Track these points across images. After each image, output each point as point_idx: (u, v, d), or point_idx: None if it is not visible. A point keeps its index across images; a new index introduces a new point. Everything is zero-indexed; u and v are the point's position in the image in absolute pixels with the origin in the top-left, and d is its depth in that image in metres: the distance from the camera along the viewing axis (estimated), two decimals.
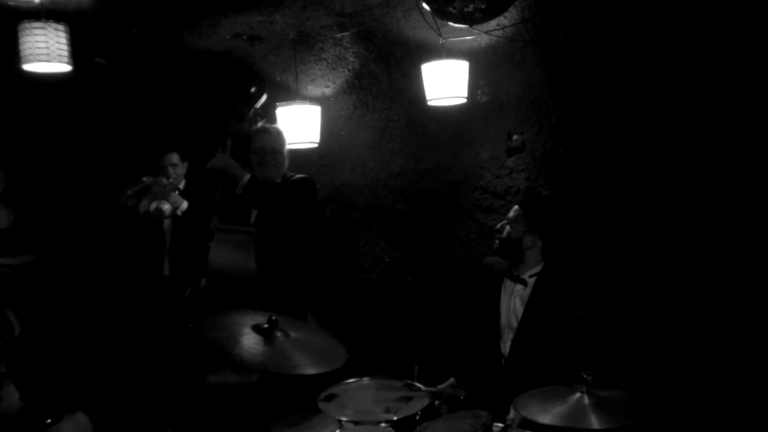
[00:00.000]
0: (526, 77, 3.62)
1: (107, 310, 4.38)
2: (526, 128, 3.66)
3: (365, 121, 4.46)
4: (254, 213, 3.38)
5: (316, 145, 4.27)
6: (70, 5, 3.56)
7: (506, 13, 3.33)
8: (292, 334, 2.34)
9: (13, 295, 3.88)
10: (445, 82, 3.54)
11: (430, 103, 3.65)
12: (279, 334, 2.31)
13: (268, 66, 4.56)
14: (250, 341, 2.26)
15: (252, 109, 3.41)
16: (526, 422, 2.26)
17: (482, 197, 3.90)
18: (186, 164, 4.15)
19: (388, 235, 4.41)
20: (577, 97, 3.43)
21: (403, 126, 4.27)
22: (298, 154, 3.91)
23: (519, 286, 2.97)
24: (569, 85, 3.45)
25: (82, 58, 3.58)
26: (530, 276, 2.96)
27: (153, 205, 3.77)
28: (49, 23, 3.22)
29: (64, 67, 3.34)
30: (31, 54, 3.22)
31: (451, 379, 3.05)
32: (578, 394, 2.25)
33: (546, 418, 2.17)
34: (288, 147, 3.49)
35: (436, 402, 2.73)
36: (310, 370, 2.23)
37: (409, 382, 2.69)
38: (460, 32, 3.49)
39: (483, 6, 3.06)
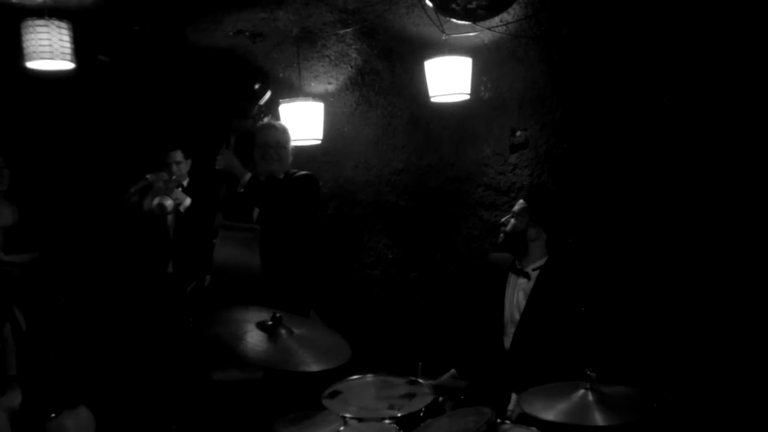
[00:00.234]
0: (529, 73, 3.62)
1: (112, 306, 4.39)
2: (529, 124, 3.65)
3: (368, 117, 4.46)
4: (256, 211, 3.39)
5: (319, 142, 4.27)
6: (72, 3, 3.56)
7: (509, 9, 3.32)
8: (296, 331, 2.35)
9: (18, 292, 3.90)
10: (448, 79, 3.53)
11: (433, 99, 3.65)
12: (283, 331, 2.32)
13: (271, 63, 4.56)
14: (254, 338, 2.27)
15: (256, 106, 3.42)
16: (529, 418, 2.26)
17: (485, 194, 3.90)
18: (189, 161, 4.16)
19: (391, 232, 4.41)
20: (580, 94, 3.43)
21: (406, 122, 4.27)
22: (301, 151, 3.91)
23: (522, 280, 2.97)
24: (573, 82, 3.44)
25: (85, 55, 3.58)
26: (534, 269, 2.97)
27: (155, 201, 3.78)
28: (52, 21, 3.22)
29: (67, 65, 3.35)
30: (34, 52, 3.22)
31: (452, 371, 3.06)
32: (582, 391, 2.25)
33: (550, 415, 2.18)
34: (292, 144, 3.50)
35: (440, 398, 2.73)
36: (314, 367, 2.24)
37: (413, 378, 2.70)
38: (463, 28, 3.48)
39: (486, 2, 3.05)
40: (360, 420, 2.45)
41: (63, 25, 3.26)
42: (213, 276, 3.23)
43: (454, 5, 3.08)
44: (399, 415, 2.43)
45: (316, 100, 4.22)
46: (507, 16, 3.40)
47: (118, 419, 3.74)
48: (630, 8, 3.11)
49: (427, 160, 4.19)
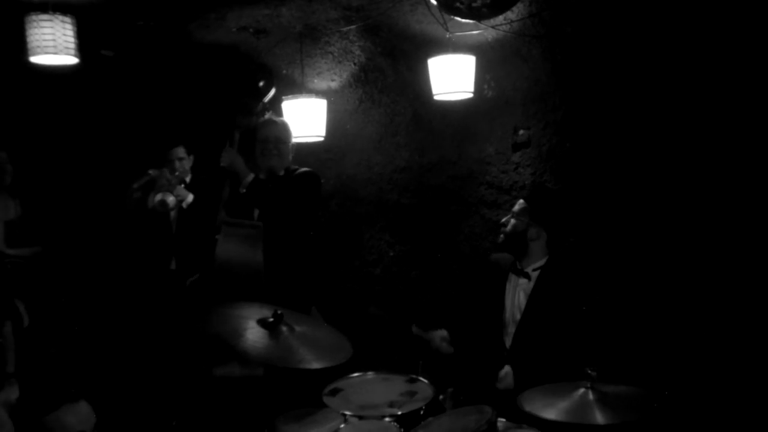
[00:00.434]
0: (532, 72, 3.61)
1: (113, 302, 4.39)
2: (532, 123, 3.65)
3: (371, 114, 4.45)
4: (257, 212, 3.39)
5: (321, 139, 4.27)
6: None
7: (513, 8, 3.32)
8: (297, 329, 2.35)
9: (21, 286, 3.90)
10: (452, 77, 3.53)
11: (436, 97, 3.65)
12: (284, 328, 2.32)
13: (274, 59, 4.55)
14: (255, 335, 2.27)
15: (260, 104, 3.42)
16: (531, 418, 2.26)
17: (488, 192, 3.90)
18: (192, 158, 4.16)
19: (393, 229, 4.41)
20: (583, 93, 3.42)
21: (409, 120, 4.27)
22: (303, 148, 3.91)
23: (523, 280, 2.97)
24: (576, 80, 3.44)
25: (89, 50, 3.58)
26: (534, 269, 2.97)
27: (158, 198, 3.78)
28: (56, 16, 3.22)
29: (71, 60, 3.34)
30: (38, 46, 3.22)
31: (443, 331, 3.06)
32: (583, 390, 2.26)
33: (551, 414, 2.18)
34: (294, 140, 3.49)
35: (441, 397, 2.73)
36: (315, 365, 2.24)
37: (414, 376, 2.70)
38: (466, 26, 3.48)
39: (489, 1, 3.05)
40: (360, 418, 2.45)
41: (67, 19, 3.26)
42: (215, 272, 3.23)
43: (458, 3, 3.08)
44: (399, 413, 2.43)
45: (319, 97, 4.22)
46: (511, 14, 3.40)
47: (118, 414, 3.74)
48: (634, 7, 3.11)
49: (430, 158, 4.19)
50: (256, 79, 3.46)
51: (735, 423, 2.84)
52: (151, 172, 3.87)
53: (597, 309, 2.90)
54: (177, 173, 3.97)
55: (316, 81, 4.55)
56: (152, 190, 3.82)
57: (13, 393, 3.44)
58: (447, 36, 3.54)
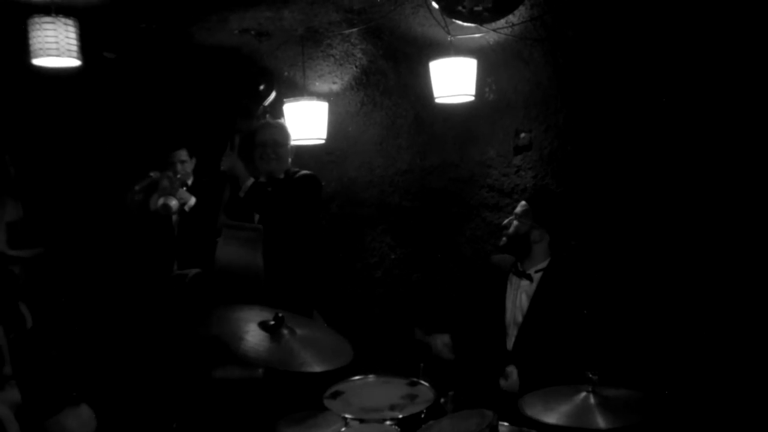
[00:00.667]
0: (534, 75, 3.61)
1: (115, 304, 4.39)
2: (533, 126, 3.65)
3: (372, 117, 4.46)
4: (257, 216, 3.39)
5: (323, 142, 4.27)
6: (79, 0, 3.57)
7: (515, 11, 3.32)
8: (299, 331, 2.35)
9: (23, 288, 3.90)
10: (453, 80, 3.53)
11: (437, 100, 3.65)
12: (285, 331, 2.32)
13: (276, 62, 4.56)
14: (256, 338, 2.27)
15: (260, 107, 3.42)
16: (532, 422, 2.25)
17: (489, 195, 3.90)
18: (194, 160, 4.16)
19: (395, 232, 4.41)
20: (585, 96, 3.42)
21: (411, 123, 4.27)
22: (305, 150, 3.91)
23: (525, 282, 2.97)
24: (577, 84, 3.44)
25: (92, 53, 3.59)
26: (536, 271, 2.96)
27: (160, 201, 3.78)
28: (58, 18, 3.23)
29: (74, 62, 3.35)
30: (40, 48, 3.23)
31: (446, 336, 3.06)
32: (584, 394, 2.25)
33: (552, 418, 2.17)
34: (293, 143, 3.49)
35: (442, 400, 2.73)
36: (316, 368, 2.24)
37: (415, 379, 2.69)
38: (468, 30, 3.48)
39: (491, 5, 3.05)
40: (361, 421, 2.45)
41: (69, 22, 3.27)
42: (216, 275, 3.23)
43: (460, 7, 3.09)
44: (400, 416, 2.43)
45: (321, 100, 4.22)
46: (512, 17, 3.40)
47: (119, 417, 3.74)
48: (635, 11, 3.11)
49: (431, 161, 4.19)
50: (256, 83, 3.46)
51: (735, 425, 2.84)
52: (153, 174, 3.87)
53: (599, 312, 2.90)
54: (179, 176, 3.97)
55: (317, 83, 4.55)
56: (154, 193, 3.82)
57: (14, 395, 3.44)
58: (448, 39, 3.55)
